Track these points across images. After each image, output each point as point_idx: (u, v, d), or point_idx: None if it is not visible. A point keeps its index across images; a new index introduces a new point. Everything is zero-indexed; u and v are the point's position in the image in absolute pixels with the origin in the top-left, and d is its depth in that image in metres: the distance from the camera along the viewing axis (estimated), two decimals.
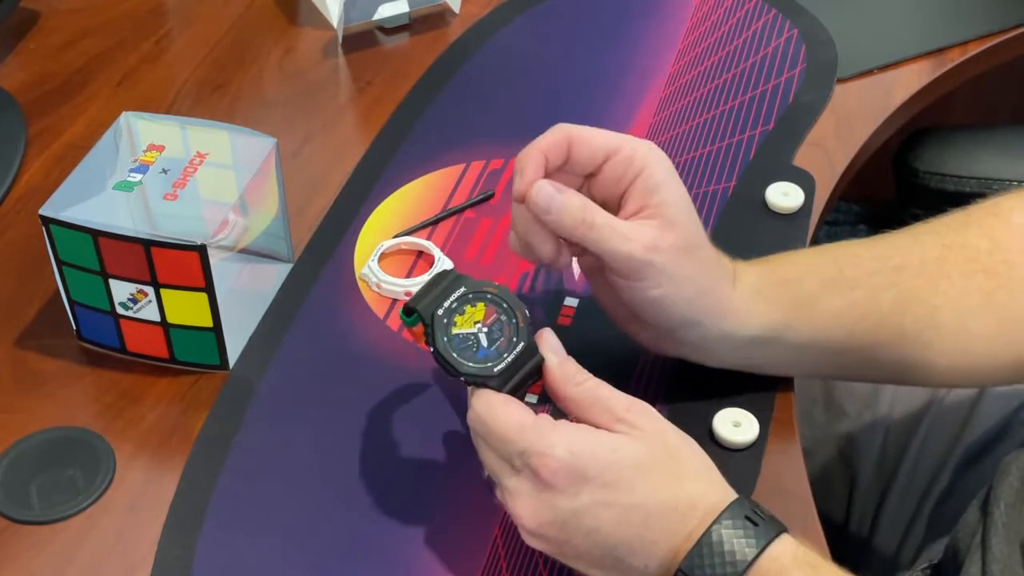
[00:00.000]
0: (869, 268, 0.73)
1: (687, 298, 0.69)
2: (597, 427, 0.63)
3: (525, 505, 0.63)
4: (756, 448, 0.74)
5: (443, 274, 0.67)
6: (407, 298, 0.84)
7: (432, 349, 0.65)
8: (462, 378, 0.64)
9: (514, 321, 0.66)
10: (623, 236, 0.67)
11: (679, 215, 0.69)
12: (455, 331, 0.65)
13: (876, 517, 0.91)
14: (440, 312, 0.65)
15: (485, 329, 0.65)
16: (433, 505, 0.72)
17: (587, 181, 0.71)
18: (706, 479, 0.64)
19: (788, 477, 0.73)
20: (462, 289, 0.66)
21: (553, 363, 0.65)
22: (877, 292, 0.72)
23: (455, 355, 0.64)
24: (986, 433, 0.88)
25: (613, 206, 0.70)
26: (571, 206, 0.67)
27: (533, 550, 0.67)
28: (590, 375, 0.65)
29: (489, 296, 0.66)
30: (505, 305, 0.66)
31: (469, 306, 0.66)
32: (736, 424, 0.74)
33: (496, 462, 0.64)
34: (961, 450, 0.88)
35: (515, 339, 0.65)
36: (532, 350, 0.66)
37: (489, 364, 0.64)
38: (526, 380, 0.66)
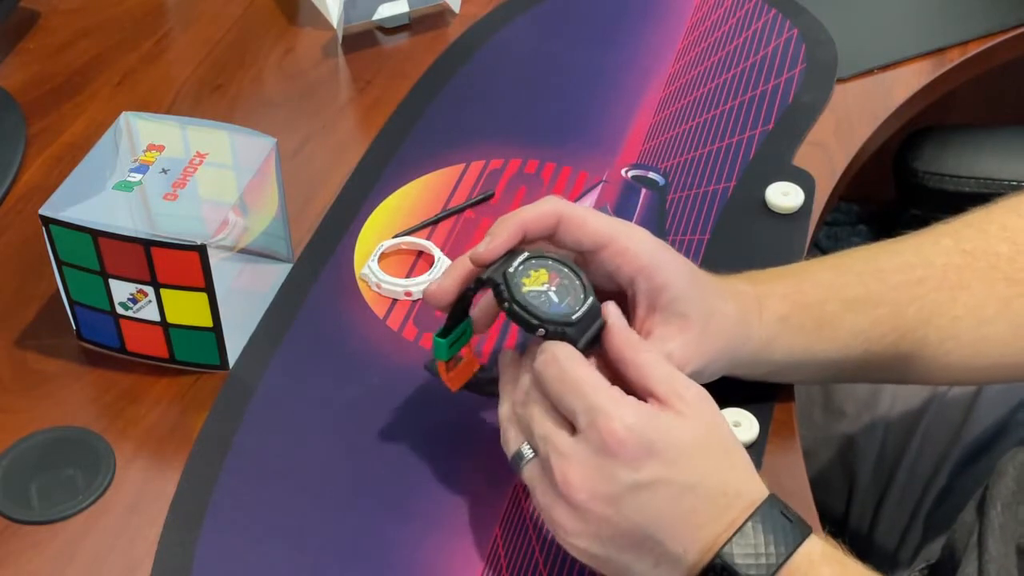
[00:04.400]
0: (893, 282, 0.73)
1: (718, 364, 0.70)
2: (653, 397, 0.62)
3: (580, 472, 0.60)
4: (756, 448, 0.74)
5: None
6: (407, 298, 0.84)
7: (507, 305, 0.65)
8: (540, 330, 0.64)
9: (578, 282, 0.66)
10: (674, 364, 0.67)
11: (692, 305, 0.68)
12: (525, 290, 0.65)
13: (875, 517, 0.92)
14: (511, 271, 0.66)
15: (553, 288, 0.66)
16: (433, 505, 0.72)
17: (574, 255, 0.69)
18: (750, 471, 0.64)
19: (788, 477, 0.74)
20: (524, 254, 0.67)
21: (619, 325, 0.65)
22: (900, 307, 0.72)
23: (535, 305, 0.65)
24: (984, 433, 0.89)
25: (606, 287, 0.69)
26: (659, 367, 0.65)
27: (533, 551, 0.67)
28: (653, 348, 0.65)
29: (550, 261, 0.67)
30: (566, 269, 0.67)
31: (533, 270, 0.66)
32: (736, 424, 0.74)
33: (552, 420, 0.62)
34: (959, 450, 0.89)
35: (583, 296, 0.66)
36: (597, 311, 0.66)
37: (566, 313, 0.65)
38: (593, 341, 0.66)
